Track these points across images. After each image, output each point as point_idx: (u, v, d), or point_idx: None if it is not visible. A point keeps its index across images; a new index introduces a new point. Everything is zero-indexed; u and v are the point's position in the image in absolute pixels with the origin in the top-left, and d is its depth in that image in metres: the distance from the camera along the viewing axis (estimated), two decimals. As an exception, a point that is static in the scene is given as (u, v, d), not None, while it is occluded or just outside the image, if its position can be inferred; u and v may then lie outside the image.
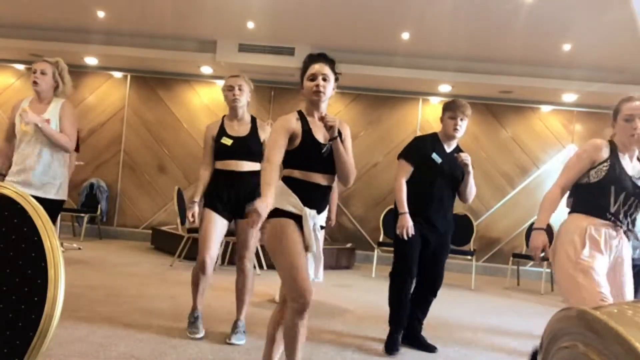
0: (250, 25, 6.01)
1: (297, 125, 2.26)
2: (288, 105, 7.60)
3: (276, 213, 2.17)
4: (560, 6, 4.78)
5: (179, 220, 5.83)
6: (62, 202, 3.28)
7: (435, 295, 3.40)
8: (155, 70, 7.64)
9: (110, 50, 6.84)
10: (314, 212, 2.21)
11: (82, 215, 7.29)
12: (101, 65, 7.61)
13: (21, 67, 7.75)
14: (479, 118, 7.48)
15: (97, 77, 7.79)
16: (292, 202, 2.20)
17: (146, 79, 7.76)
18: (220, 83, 7.61)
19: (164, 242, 6.76)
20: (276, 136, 2.21)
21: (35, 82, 3.21)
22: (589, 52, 5.85)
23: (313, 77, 2.25)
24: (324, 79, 2.25)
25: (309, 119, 2.31)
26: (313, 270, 2.25)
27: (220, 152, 3.19)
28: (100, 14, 6.05)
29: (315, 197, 2.23)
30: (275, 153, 2.18)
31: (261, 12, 5.64)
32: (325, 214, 2.32)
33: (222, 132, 3.21)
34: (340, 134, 2.27)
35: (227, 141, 3.18)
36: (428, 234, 3.22)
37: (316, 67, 2.25)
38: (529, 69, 6.51)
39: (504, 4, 4.88)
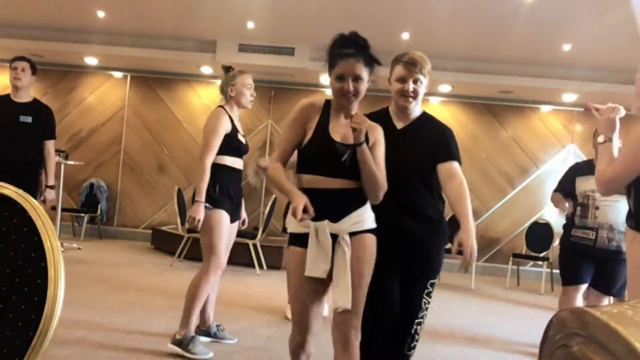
0: (250, 25, 6.01)
1: (314, 115, 1.93)
2: (288, 105, 7.60)
3: (290, 238, 1.96)
4: (560, 6, 4.78)
5: (179, 220, 5.83)
6: None
7: None
8: (155, 70, 7.63)
9: (110, 50, 6.84)
10: (325, 223, 1.83)
11: (82, 215, 7.29)
12: (101, 65, 7.60)
13: (21, 67, 7.74)
14: (479, 118, 7.48)
15: (97, 77, 7.79)
16: (294, 222, 1.87)
17: (146, 79, 7.76)
18: (220, 83, 7.61)
19: (164, 242, 6.76)
20: (286, 128, 1.95)
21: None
22: (589, 52, 5.85)
23: (341, 77, 1.85)
24: (356, 79, 1.85)
25: (332, 112, 1.95)
26: (339, 294, 1.83)
27: (234, 148, 2.98)
28: (100, 14, 6.05)
29: (328, 205, 1.85)
30: (282, 150, 1.93)
31: (261, 12, 5.64)
32: (356, 217, 1.89)
33: (234, 127, 3.01)
34: (367, 139, 1.88)
35: (242, 139, 3.06)
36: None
37: (346, 66, 1.84)
38: (529, 69, 6.51)
39: (504, 4, 4.88)
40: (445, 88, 7.07)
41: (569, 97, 6.97)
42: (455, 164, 2.19)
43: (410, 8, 5.19)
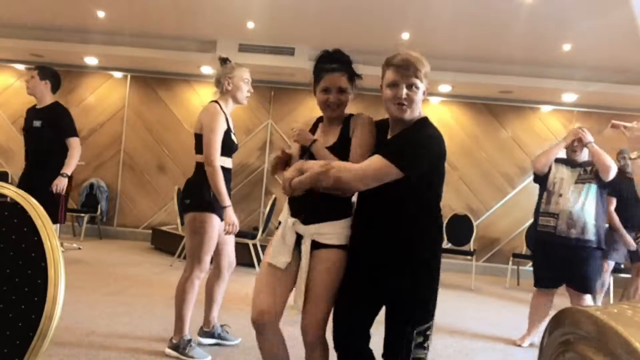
0: (250, 25, 6.01)
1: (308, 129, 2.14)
2: (288, 106, 7.61)
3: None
4: (560, 6, 4.78)
5: (178, 220, 5.83)
6: None
7: None
8: (155, 70, 7.63)
9: (110, 50, 6.84)
10: (292, 221, 1.95)
11: (82, 215, 7.29)
12: (101, 65, 7.60)
13: (21, 67, 7.75)
14: (479, 118, 7.48)
15: (97, 77, 7.79)
16: (283, 212, 2.07)
17: (146, 79, 7.76)
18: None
19: (164, 242, 6.76)
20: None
21: None
22: (589, 52, 5.85)
23: (326, 89, 1.98)
24: (340, 91, 1.98)
25: (321, 125, 2.12)
26: (296, 294, 1.93)
27: (228, 148, 2.88)
28: (100, 14, 6.05)
29: (304, 207, 1.94)
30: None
31: (261, 12, 5.63)
32: (326, 228, 1.92)
33: (229, 126, 2.90)
34: (347, 131, 2.00)
35: (234, 137, 2.94)
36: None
37: (330, 80, 1.98)
38: (529, 69, 6.50)
39: (504, 4, 4.88)
40: (445, 88, 7.07)
41: (569, 97, 6.96)
42: (376, 158, 1.75)
43: (410, 8, 5.19)
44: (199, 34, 6.55)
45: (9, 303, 1.14)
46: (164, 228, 6.99)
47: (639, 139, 2.30)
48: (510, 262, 6.62)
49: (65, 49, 6.84)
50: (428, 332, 1.85)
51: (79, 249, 6.35)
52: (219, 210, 2.82)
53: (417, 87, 1.82)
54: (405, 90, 1.80)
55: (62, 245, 5.76)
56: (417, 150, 1.78)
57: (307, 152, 1.99)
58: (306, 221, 1.93)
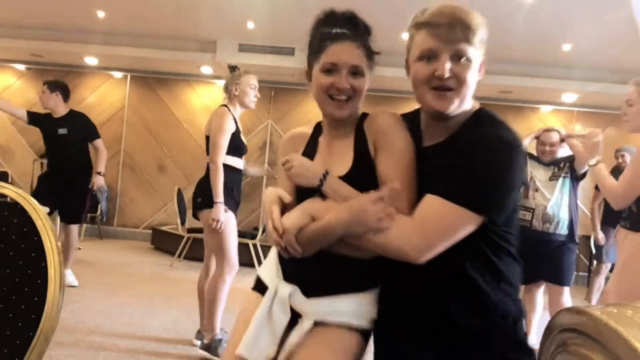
0: (250, 25, 6.01)
1: (299, 149, 1.35)
2: (288, 105, 7.61)
3: (256, 279, 1.39)
4: (560, 6, 4.78)
5: (178, 220, 5.83)
6: None
7: None
8: (155, 70, 7.63)
9: (110, 50, 6.84)
10: (287, 290, 1.22)
11: (82, 215, 7.29)
12: (101, 65, 7.60)
13: (21, 67, 7.75)
14: (479, 118, 7.48)
15: (97, 77, 7.79)
16: (269, 264, 1.35)
17: (146, 79, 7.76)
18: (220, 83, 7.61)
19: (164, 242, 6.76)
20: (280, 176, 1.32)
21: None
22: (589, 52, 5.85)
23: (331, 68, 1.24)
24: (355, 73, 1.22)
25: (322, 136, 1.34)
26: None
27: (237, 148, 2.99)
28: (100, 14, 6.05)
29: (306, 270, 1.22)
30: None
31: (261, 12, 5.63)
32: (340, 303, 1.20)
33: (237, 127, 3.01)
34: (363, 142, 1.23)
35: (243, 139, 3.08)
36: None
37: (337, 52, 1.24)
38: (529, 69, 6.50)
39: (504, 4, 4.88)
40: (445, 88, 7.07)
41: (569, 97, 6.96)
42: (437, 202, 1.07)
43: (410, 8, 5.18)
44: (199, 34, 6.55)
45: (9, 303, 1.14)
46: (164, 228, 6.99)
47: (594, 146, 2.42)
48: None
49: (65, 49, 6.84)
50: None
51: (79, 249, 6.35)
52: (231, 206, 2.94)
53: (468, 59, 1.12)
54: (449, 64, 1.10)
55: (62, 245, 5.76)
56: (497, 173, 1.06)
57: (314, 194, 1.20)
58: (310, 292, 1.21)
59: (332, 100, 1.23)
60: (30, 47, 6.85)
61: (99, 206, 7.43)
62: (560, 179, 3.46)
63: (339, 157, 1.25)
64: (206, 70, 7.33)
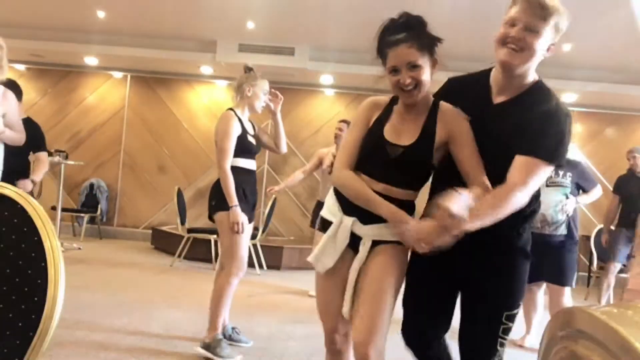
0: (250, 25, 6.01)
1: (376, 113, 1.72)
2: (288, 105, 7.59)
3: (320, 222, 1.80)
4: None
5: (178, 220, 5.83)
6: None
7: None
8: (155, 70, 7.63)
9: (110, 50, 6.84)
10: (350, 220, 1.65)
11: (82, 215, 7.28)
12: (101, 65, 7.60)
13: (21, 67, 7.75)
14: (479, 118, 7.47)
15: (97, 77, 7.79)
16: (329, 207, 1.75)
17: (146, 79, 7.76)
18: (220, 83, 7.62)
19: (164, 242, 6.76)
20: (350, 130, 1.73)
21: None
22: (589, 52, 5.85)
23: (395, 69, 1.59)
24: (413, 67, 1.58)
25: (396, 110, 1.70)
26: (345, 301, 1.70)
27: (246, 150, 3.00)
28: (100, 14, 6.05)
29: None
30: (347, 154, 1.68)
31: (261, 12, 5.63)
32: (389, 228, 1.61)
33: (244, 129, 3.01)
34: (434, 136, 1.64)
35: (252, 140, 3.06)
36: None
37: (396, 56, 1.58)
38: (529, 69, 6.50)
39: (504, 4, 4.88)
40: (445, 88, 7.07)
41: (569, 97, 6.96)
42: (535, 161, 1.48)
43: (410, 8, 5.18)
44: (199, 34, 6.55)
45: (9, 303, 1.14)
46: (164, 228, 6.99)
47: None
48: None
49: (65, 49, 6.84)
50: (515, 314, 1.64)
51: (79, 249, 6.35)
52: (242, 207, 2.92)
53: (539, 32, 1.50)
54: (523, 32, 1.49)
55: (62, 245, 5.76)
56: (564, 139, 1.53)
57: (404, 151, 1.63)
58: (367, 221, 1.63)
59: (402, 92, 1.61)
60: (30, 47, 6.85)
61: (99, 206, 7.44)
62: (561, 187, 3.43)
63: (407, 130, 1.64)
64: (206, 70, 7.33)
